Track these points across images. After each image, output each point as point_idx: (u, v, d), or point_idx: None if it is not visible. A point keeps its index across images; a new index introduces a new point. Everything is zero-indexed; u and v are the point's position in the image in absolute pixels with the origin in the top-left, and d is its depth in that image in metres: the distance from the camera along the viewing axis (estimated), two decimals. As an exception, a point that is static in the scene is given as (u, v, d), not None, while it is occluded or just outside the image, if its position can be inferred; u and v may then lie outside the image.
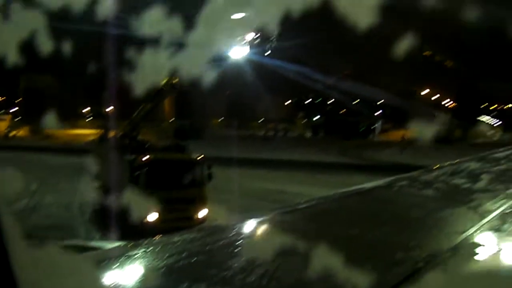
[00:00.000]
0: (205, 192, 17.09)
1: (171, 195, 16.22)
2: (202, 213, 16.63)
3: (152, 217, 15.63)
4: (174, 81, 19.83)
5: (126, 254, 2.81)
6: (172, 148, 18.93)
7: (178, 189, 16.67)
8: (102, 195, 19.71)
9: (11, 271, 0.75)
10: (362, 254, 2.86)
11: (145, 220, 14.99)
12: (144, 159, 16.62)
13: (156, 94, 20.62)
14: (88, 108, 65.85)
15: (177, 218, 15.62)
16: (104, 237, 15.45)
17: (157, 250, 2.99)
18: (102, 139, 24.04)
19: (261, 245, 3.20)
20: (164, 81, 20.68)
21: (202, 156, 17.06)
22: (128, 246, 3.28)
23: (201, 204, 16.69)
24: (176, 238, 3.20)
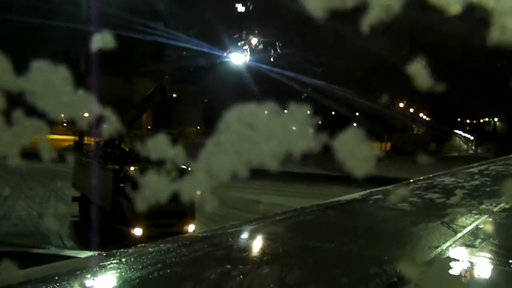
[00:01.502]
0: (194, 205, 16.03)
1: (159, 209, 15.33)
2: (190, 228, 16.11)
3: (137, 232, 15.13)
4: (164, 87, 19.49)
5: (100, 264, 2.77)
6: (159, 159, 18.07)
7: (166, 202, 15.86)
8: (81, 205, 19.08)
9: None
10: (336, 268, 2.87)
11: (129, 236, 14.66)
12: (131, 169, 15.64)
13: (144, 100, 20.26)
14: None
15: (164, 234, 15.00)
16: (78, 246, 15.20)
17: (131, 260, 2.95)
18: (78, 146, 23.62)
19: (236, 257, 3.18)
20: (153, 87, 20.30)
21: (187, 166, 16.41)
22: (102, 255, 3.24)
23: (190, 218, 16.07)
24: (151, 248, 3.17)
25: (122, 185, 15.40)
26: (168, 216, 15.30)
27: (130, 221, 15.28)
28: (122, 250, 3.13)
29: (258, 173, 4.83)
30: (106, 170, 16.49)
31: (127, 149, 18.25)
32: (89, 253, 6.25)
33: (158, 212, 14.48)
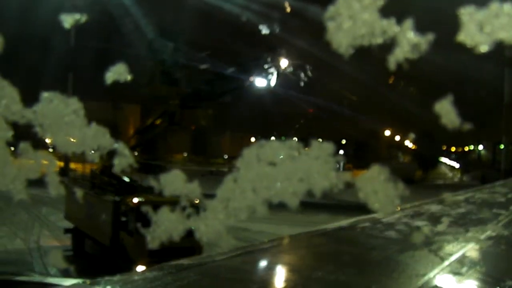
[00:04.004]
0: (203, 244, 15.19)
1: (165, 245, 14.40)
2: None
3: (140, 269, 14.43)
4: (174, 112, 18.78)
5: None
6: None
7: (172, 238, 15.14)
8: (74, 238, 17.84)
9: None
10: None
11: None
12: (133, 201, 14.18)
13: (149, 127, 19.68)
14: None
15: None
16: (61, 273, 14.85)
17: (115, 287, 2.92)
18: (63, 172, 23.11)
19: (221, 285, 3.17)
20: (158, 114, 19.64)
21: (198, 200, 15.63)
22: (87, 283, 3.20)
23: (197, 254, 15.34)
24: (136, 276, 3.14)
25: (123, 218, 14.40)
26: (174, 253, 14.26)
27: (132, 257, 14.21)
28: (107, 278, 3.09)
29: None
30: (104, 201, 15.34)
31: (125, 179, 17.14)
32: (73, 281, 6.17)
33: (164, 248, 13.62)
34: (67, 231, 18.58)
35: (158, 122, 19.88)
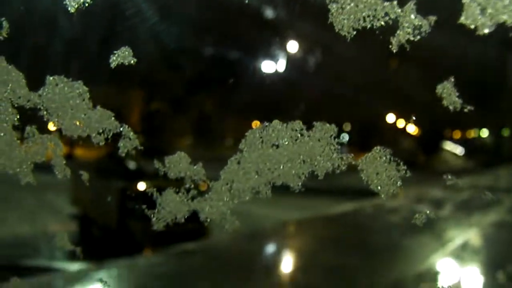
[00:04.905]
0: (209, 226, 15.11)
1: (171, 229, 14.27)
2: None
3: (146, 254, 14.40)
4: (178, 98, 18.72)
5: (90, 276, 2.77)
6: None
7: (179, 224, 15.00)
8: (81, 224, 17.82)
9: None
10: (327, 279, 2.87)
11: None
12: (139, 188, 13.69)
13: (154, 111, 19.64)
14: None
15: None
16: (69, 257, 14.86)
17: (121, 272, 2.95)
18: (68, 157, 23.13)
19: (225, 270, 3.19)
20: (163, 99, 19.51)
21: (203, 183, 15.60)
22: (92, 267, 3.23)
23: (203, 238, 15.17)
24: (141, 261, 3.16)
25: (129, 202, 14.31)
26: (180, 237, 14.21)
27: (138, 242, 14.13)
28: (112, 262, 3.12)
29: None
30: (110, 185, 15.15)
31: (132, 164, 16.89)
32: (80, 265, 6.20)
33: (170, 232, 13.49)
34: (73, 217, 18.53)
35: (162, 107, 19.82)
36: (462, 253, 3.72)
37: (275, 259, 3.16)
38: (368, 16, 1.02)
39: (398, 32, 0.99)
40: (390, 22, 0.99)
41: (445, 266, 3.43)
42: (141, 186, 14.68)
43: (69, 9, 1.23)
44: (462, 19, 0.93)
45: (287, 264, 2.89)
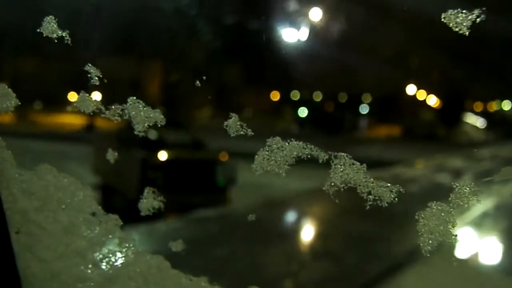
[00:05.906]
0: (228, 198, 14.46)
1: (190, 201, 13.70)
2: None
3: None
4: (197, 69, 18.41)
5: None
6: (189, 144, 16.22)
7: (197, 194, 14.30)
8: (104, 194, 17.84)
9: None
10: (345, 246, 2.90)
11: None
12: (160, 158, 13.67)
13: (175, 82, 19.51)
14: (75, 94, 64.92)
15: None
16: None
17: (141, 237, 3.00)
18: (90, 128, 23.12)
19: (245, 237, 3.23)
20: (183, 69, 19.43)
21: (225, 154, 14.61)
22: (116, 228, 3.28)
23: (222, 200, 14.83)
24: (162, 226, 3.21)
25: (150, 172, 14.22)
26: (200, 205, 13.94)
27: (160, 212, 14.40)
28: (132, 226, 3.17)
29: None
30: (132, 156, 15.10)
31: (153, 134, 16.78)
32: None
33: (190, 205, 13.16)
34: (96, 187, 18.56)
35: (183, 77, 19.75)
36: (481, 223, 3.71)
37: (292, 226, 3.20)
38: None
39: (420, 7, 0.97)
40: None
41: (464, 236, 3.44)
42: (162, 156, 14.80)
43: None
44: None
45: (304, 231, 2.93)
